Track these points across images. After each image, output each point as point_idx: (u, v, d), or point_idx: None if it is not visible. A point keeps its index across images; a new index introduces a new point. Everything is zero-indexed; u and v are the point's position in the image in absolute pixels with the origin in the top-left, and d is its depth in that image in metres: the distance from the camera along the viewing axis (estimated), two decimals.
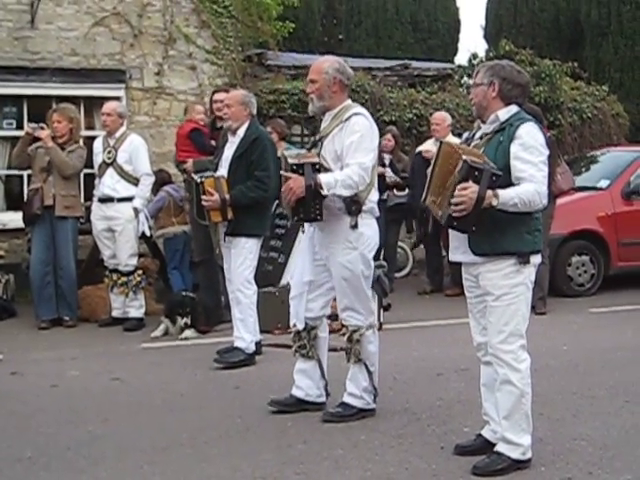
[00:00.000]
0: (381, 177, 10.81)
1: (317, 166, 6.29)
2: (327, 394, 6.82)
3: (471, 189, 5.09)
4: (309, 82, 6.63)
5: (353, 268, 6.43)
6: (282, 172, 6.47)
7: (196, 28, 14.27)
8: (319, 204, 6.26)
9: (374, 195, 6.56)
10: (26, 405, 7.20)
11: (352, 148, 6.32)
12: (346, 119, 6.43)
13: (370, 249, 6.54)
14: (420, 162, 11.76)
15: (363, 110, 6.57)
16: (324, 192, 6.20)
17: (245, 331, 8.39)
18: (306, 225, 6.68)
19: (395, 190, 12.83)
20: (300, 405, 6.79)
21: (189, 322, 9.81)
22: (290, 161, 6.35)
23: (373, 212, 6.55)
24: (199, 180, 8.30)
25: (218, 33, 14.33)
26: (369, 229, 6.51)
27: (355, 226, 6.37)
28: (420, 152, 12.33)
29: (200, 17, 14.28)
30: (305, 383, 6.80)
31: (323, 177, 6.23)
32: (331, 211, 6.37)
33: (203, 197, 8.20)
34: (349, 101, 6.65)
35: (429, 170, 5.56)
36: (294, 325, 6.81)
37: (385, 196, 11.97)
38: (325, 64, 6.60)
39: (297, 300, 6.75)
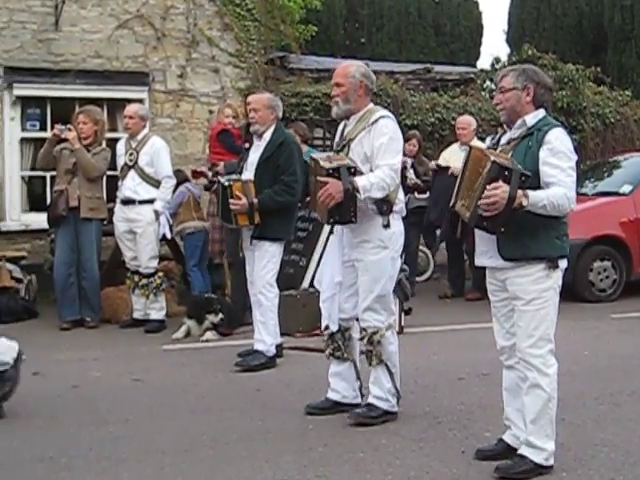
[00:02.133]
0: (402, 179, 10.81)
1: (352, 169, 6.33)
2: (362, 395, 6.81)
3: (502, 188, 5.10)
4: (334, 85, 6.67)
5: (382, 267, 6.46)
6: (319, 177, 6.49)
7: (219, 31, 14.31)
8: (354, 207, 6.30)
9: (401, 194, 6.65)
10: (48, 405, 7.22)
11: (382, 150, 6.39)
12: (373, 122, 6.48)
13: (398, 248, 6.59)
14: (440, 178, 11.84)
15: (389, 113, 6.63)
16: (360, 196, 6.23)
17: (266, 333, 8.39)
18: (336, 227, 6.69)
19: (416, 193, 12.83)
20: (337, 408, 6.79)
21: (218, 320, 9.85)
22: (326, 165, 6.37)
23: (402, 212, 6.63)
24: (227, 183, 8.30)
25: (241, 36, 14.37)
26: (398, 229, 6.58)
27: (387, 225, 6.43)
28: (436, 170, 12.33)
29: (223, 20, 14.33)
30: (341, 386, 6.81)
31: (359, 181, 6.27)
32: (363, 212, 6.39)
33: (231, 201, 8.19)
34: (372, 104, 6.71)
35: (459, 175, 5.56)
36: (327, 327, 6.81)
37: (406, 199, 11.95)
38: (351, 68, 6.66)
39: (329, 302, 6.77)
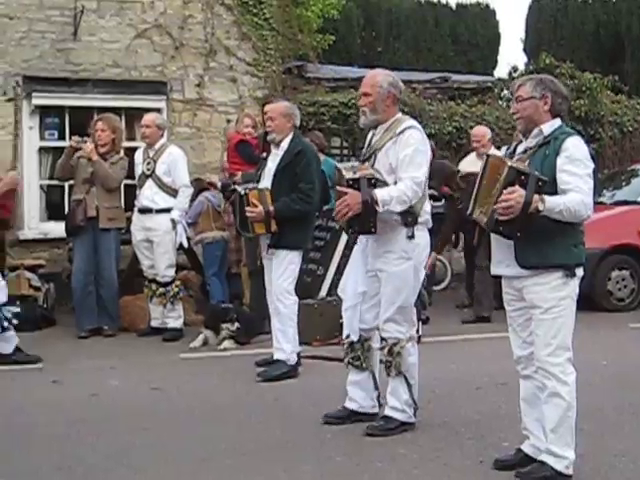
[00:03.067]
0: None
1: (373, 180, 6.32)
2: (380, 405, 6.80)
3: (518, 192, 5.12)
4: (362, 95, 6.65)
5: (405, 278, 6.46)
6: (338, 187, 6.50)
7: (237, 40, 14.34)
8: (373, 217, 6.29)
9: (428, 206, 6.64)
10: (66, 414, 7.24)
11: (406, 162, 6.37)
12: (400, 132, 6.46)
13: (422, 260, 6.59)
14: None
15: (416, 123, 6.60)
16: (379, 209, 6.23)
17: (285, 342, 8.38)
18: (360, 236, 6.69)
19: (431, 200, 12.80)
20: (354, 417, 6.78)
21: (235, 329, 9.87)
22: (346, 176, 6.38)
23: (427, 223, 6.61)
24: (243, 192, 8.31)
25: (259, 45, 14.39)
26: (423, 240, 6.58)
27: (412, 237, 6.43)
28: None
29: (241, 29, 14.36)
30: (359, 395, 6.80)
31: (379, 193, 6.25)
32: (387, 222, 6.40)
33: (247, 209, 8.21)
34: (400, 114, 6.68)
35: (476, 183, 5.56)
36: (347, 336, 6.81)
37: None
38: (379, 77, 6.64)
39: (351, 311, 6.76)
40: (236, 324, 9.90)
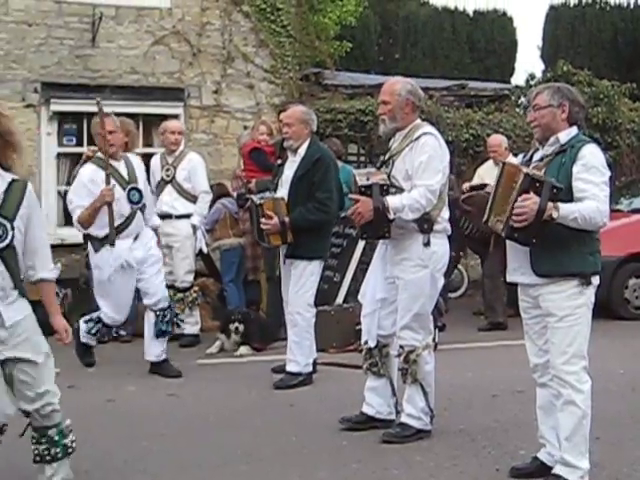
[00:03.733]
0: None
1: (385, 187, 6.33)
2: (397, 412, 6.80)
3: (532, 200, 5.12)
4: (381, 103, 6.66)
5: (422, 286, 6.46)
6: (350, 195, 6.52)
7: (254, 47, 14.39)
8: (387, 224, 6.31)
9: (445, 213, 6.61)
10: (83, 419, 7.21)
11: (420, 169, 6.38)
12: (416, 138, 6.46)
13: (439, 268, 6.58)
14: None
15: (433, 129, 6.60)
16: (390, 216, 6.24)
17: (299, 354, 8.36)
18: (379, 243, 6.70)
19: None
20: (370, 423, 6.79)
21: (241, 329, 9.95)
22: (359, 182, 6.40)
23: (445, 231, 6.60)
24: (258, 202, 8.29)
25: (276, 52, 14.44)
26: (441, 248, 6.56)
27: (427, 244, 6.42)
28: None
29: (258, 36, 14.41)
30: (376, 401, 6.80)
31: (391, 201, 6.27)
32: (404, 228, 6.40)
33: (262, 220, 8.18)
34: (418, 120, 6.68)
35: (492, 191, 5.56)
36: (365, 342, 6.81)
37: None
38: (397, 85, 6.64)
39: (369, 318, 6.76)
40: (241, 325, 9.98)
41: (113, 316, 8.85)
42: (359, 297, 7.15)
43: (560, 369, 5.37)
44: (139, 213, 8.70)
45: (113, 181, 8.53)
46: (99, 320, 8.83)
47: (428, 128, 6.58)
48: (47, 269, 5.57)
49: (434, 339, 9.68)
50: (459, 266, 14.21)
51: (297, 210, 8.18)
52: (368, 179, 6.45)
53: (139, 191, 8.68)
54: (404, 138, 6.56)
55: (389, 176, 6.48)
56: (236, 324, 10.03)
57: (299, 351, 8.36)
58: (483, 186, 12.02)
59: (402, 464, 6.02)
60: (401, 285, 6.51)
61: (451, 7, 25.48)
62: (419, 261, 6.44)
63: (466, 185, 12.75)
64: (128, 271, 8.62)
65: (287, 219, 8.15)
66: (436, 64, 23.83)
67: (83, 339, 8.86)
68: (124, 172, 8.69)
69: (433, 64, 23.81)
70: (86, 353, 8.99)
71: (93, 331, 8.87)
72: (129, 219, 8.63)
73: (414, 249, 6.45)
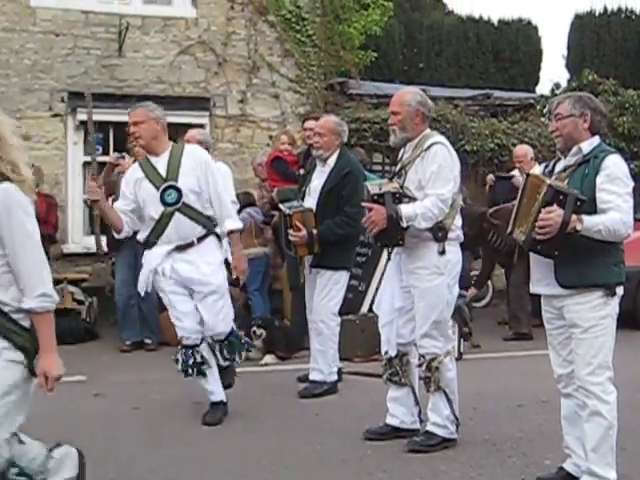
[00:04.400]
0: None
1: (397, 195, 6.36)
2: (421, 421, 6.81)
3: (556, 212, 5.10)
4: (391, 114, 6.69)
5: (438, 294, 6.47)
6: (363, 203, 6.55)
7: (279, 57, 14.46)
8: (400, 231, 6.33)
9: (458, 220, 6.63)
10: (109, 427, 7.29)
11: (432, 179, 6.40)
12: (426, 148, 6.48)
13: (454, 275, 6.59)
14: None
15: (442, 139, 6.61)
16: (404, 224, 6.26)
17: (323, 363, 8.39)
18: (393, 252, 6.72)
19: None
20: (395, 433, 6.78)
21: (262, 345, 9.99)
22: (371, 191, 6.42)
23: (459, 238, 6.62)
24: (287, 212, 8.33)
25: (301, 62, 14.50)
26: (455, 256, 6.58)
27: (443, 252, 6.43)
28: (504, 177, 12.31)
29: (284, 46, 14.47)
30: (399, 411, 6.80)
31: (404, 209, 6.30)
32: (419, 237, 6.42)
33: (290, 232, 8.22)
34: (428, 130, 6.71)
35: (516, 202, 5.55)
36: (386, 352, 6.82)
37: None
38: (407, 96, 6.67)
39: (388, 327, 6.78)
40: (261, 329, 10.06)
41: (179, 329, 7.62)
42: (374, 308, 7.17)
43: (585, 380, 5.36)
44: (183, 218, 7.24)
45: (127, 179, 7.55)
46: (180, 345, 7.64)
47: (438, 138, 6.60)
48: (31, 297, 4.31)
49: (459, 349, 9.79)
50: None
51: (325, 223, 8.21)
52: (380, 189, 6.47)
53: (178, 190, 7.19)
54: (415, 148, 6.59)
55: (402, 186, 6.51)
56: (254, 328, 10.12)
57: (323, 360, 8.39)
58: (510, 177, 12.05)
59: (427, 473, 6.01)
60: (417, 294, 6.52)
61: (476, 16, 25.50)
62: (435, 269, 6.46)
63: (491, 176, 12.76)
64: (164, 279, 7.41)
65: (315, 231, 8.19)
66: (461, 73, 23.84)
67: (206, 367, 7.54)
68: (162, 168, 7.25)
69: (458, 73, 23.82)
70: (224, 374, 7.70)
71: (188, 362, 7.49)
72: (160, 223, 7.26)
73: (429, 257, 6.46)
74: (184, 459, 6.42)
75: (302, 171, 9.84)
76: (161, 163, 7.28)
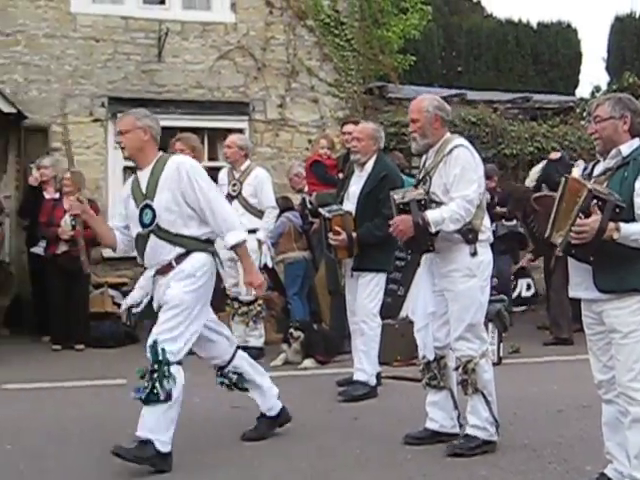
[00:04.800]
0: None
1: (423, 202, 6.38)
2: (460, 425, 6.79)
3: (593, 218, 5.06)
4: (410, 122, 6.76)
5: (472, 296, 6.47)
6: (384, 210, 6.58)
7: (318, 61, 14.51)
8: (429, 237, 6.35)
9: (487, 221, 6.66)
10: None
11: (456, 181, 6.42)
12: (448, 152, 6.51)
13: (486, 277, 6.59)
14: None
15: (463, 141, 6.64)
16: (432, 229, 6.27)
17: (367, 363, 8.43)
18: (424, 256, 6.72)
19: (504, 220, 12.80)
20: (435, 437, 6.77)
21: (300, 347, 10.03)
22: (396, 200, 6.44)
23: (489, 239, 6.65)
24: (327, 216, 8.38)
25: (340, 66, 14.54)
26: (487, 257, 6.59)
27: (475, 254, 6.44)
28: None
29: (322, 50, 14.52)
30: (439, 415, 6.79)
31: (430, 215, 6.32)
32: (450, 240, 6.43)
33: (330, 235, 8.28)
34: (449, 134, 6.75)
35: (554, 206, 5.51)
36: (423, 357, 6.82)
37: (494, 227, 11.91)
38: (425, 102, 6.72)
39: (423, 332, 6.79)
40: (298, 332, 10.10)
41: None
42: (409, 314, 7.16)
43: (627, 386, 5.30)
44: (158, 240, 6.42)
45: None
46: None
47: (459, 140, 6.63)
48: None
49: (499, 353, 9.76)
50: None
51: (365, 226, 8.28)
52: (404, 197, 6.49)
53: (153, 210, 6.39)
54: (437, 153, 6.62)
55: (427, 192, 6.53)
56: (291, 330, 10.19)
57: (367, 360, 8.43)
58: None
59: (467, 478, 5.99)
60: (451, 297, 6.52)
61: (515, 19, 25.41)
62: (467, 271, 6.46)
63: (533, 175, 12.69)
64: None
65: (354, 234, 8.25)
66: (500, 77, 23.76)
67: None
68: (144, 184, 6.48)
69: (497, 77, 23.74)
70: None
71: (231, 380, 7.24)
72: (138, 244, 6.54)
73: (461, 260, 6.47)
74: (224, 462, 6.44)
75: (341, 175, 9.87)
76: (144, 178, 6.51)
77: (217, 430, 7.39)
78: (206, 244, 6.65)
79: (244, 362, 7.11)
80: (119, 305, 12.16)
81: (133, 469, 6.17)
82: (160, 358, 6.34)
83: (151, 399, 6.23)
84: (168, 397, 6.28)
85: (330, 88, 14.50)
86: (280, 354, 10.15)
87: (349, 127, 10.23)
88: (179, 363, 6.41)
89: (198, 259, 6.54)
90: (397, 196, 6.57)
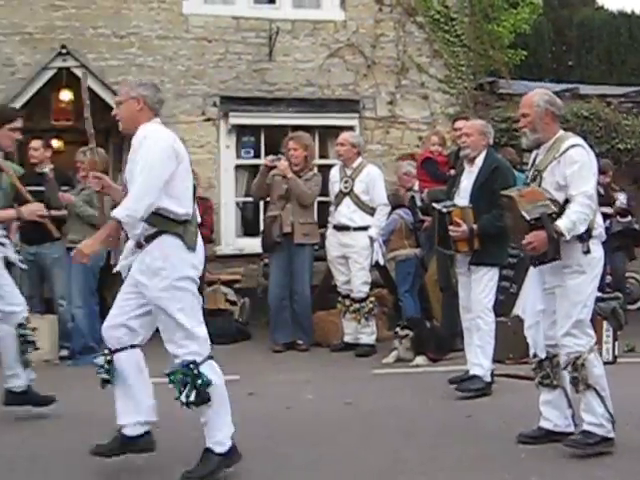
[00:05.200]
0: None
1: (553, 215, 6.32)
2: (575, 424, 6.71)
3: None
4: (521, 116, 6.73)
5: (581, 292, 6.41)
6: (508, 221, 6.55)
7: (428, 57, 14.45)
8: (558, 246, 6.30)
9: (599, 218, 6.61)
10: (263, 426, 7.38)
11: (574, 178, 6.36)
12: (562, 152, 6.45)
13: (596, 274, 6.53)
14: None
15: (578, 140, 6.58)
16: (567, 237, 6.23)
17: (484, 358, 8.40)
18: None
19: (619, 217, 12.61)
20: (550, 437, 6.70)
21: (410, 345, 10.05)
22: (526, 216, 6.37)
23: (601, 237, 6.59)
24: (445, 210, 8.38)
25: (450, 62, 14.46)
26: (598, 253, 6.53)
27: (587, 251, 6.38)
28: None
29: (432, 47, 14.46)
30: (553, 414, 6.73)
31: (561, 224, 6.27)
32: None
33: (450, 227, 8.27)
34: (562, 131, 6.69)
35: None
36: (535, 355, 6.77)
37: (607, 223, 11.73)
38: (535, 97, 6.69)
39: (534, 330, 6.74)
40: (404, 330, 10.12)
41: None
42: (519, 312, 7.10)
43: None
44: None
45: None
46: None
47: (573, 140, 6.56)
48: None
49: (614, 352, 9.63)
50: (636, 276, 13.92)
51: (484, 217, 8.26)
52: (526, 202, 6.43)
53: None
54: (549, 151, 6.57)
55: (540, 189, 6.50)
56: (397, 329, 10.22)
57: (483, 355, 8.41)
58: None
59: (582, 479, 5.93)
60: (561, 293, 6.47)
61: (627, 11, 24.92)
62: (577, 267, 6.41)
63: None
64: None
65: (475, 226, 8.25)
66: (612, 70, 23.33)
67: None
68: None
69: (609, 70, 23.32)
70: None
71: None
72: None
73: (573, 257, 6.41)
74: (336, 458, 6.46)
75: (452, 172, 9.85)
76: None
77: (329, 426, 7.42)
78: (182, 225, 5.88)
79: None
80: (231, 302, 12.37)
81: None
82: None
83: (192, 402, 5.85)
84: (207, 398, 5.84)
85: (440, 84, 14.44)
86: (392, 351, 10.15)
87: (460, 123, 10.21)
88: (209, 358, 5.95)
89: (169, 244, 5.86)
90: (522, 206, 6.51)
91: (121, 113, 6.12)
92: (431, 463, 6.33)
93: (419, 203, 11.15)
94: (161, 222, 5.80)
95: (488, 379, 8.43)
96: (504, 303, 10.42)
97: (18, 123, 7.71)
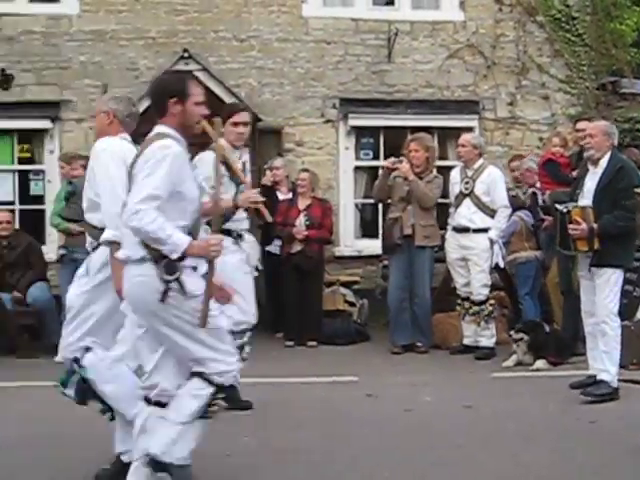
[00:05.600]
0: None
1: None
2: None
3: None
4: None
5: None
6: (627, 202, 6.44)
7: (549, 57, 14.28)
8: None
9: None
10: (381, 427, 7.39)
11: None
12: None
13: None
14: None
15: None
16: None
17: (610, 364, 8.23)
18: None
19: None
20: None
21: (527, 349, 9.95)
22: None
23: None
24: (565, 210, 8.29)
25: (571, 62, 14.26)
26: None
27: None
28: None
29: (553, 46, 14.28)
30: None
31: None
32: None
33: (570, 226, 8.17)
34: None
35: None
36: None
37: None
38: None
39: None
40: (519, 334, 10.01)
41: None
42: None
43: None
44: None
45: None
46: None
47: None
48: None
49: None
50: None
51: (605, 217, 8.13)
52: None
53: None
54: None
55: None
56: (511, 332, 10.14)
57: (610, 361, 8.24)
58: None
59: None
60: None
61: None
62: None
63: None
64: None
65: (595, 225, 8.12)
66: None
67: None
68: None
69: None
70: None
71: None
72: None
73: None
74: (454, 462, 6.41)
75: (574, 173, 9.71)
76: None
77: (449, 428, 7.39)
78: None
79: None
80: (350, 303, 12.40)
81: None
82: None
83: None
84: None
85: (561, 85, 14.24)
86: (512, 355, 10.05)
87: (582, 124, 10.07)
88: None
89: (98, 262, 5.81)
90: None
91: (95, 126, 6.41)
92: (552, 468, 6.25)
93: (541, 202, 11.02)
94: None
95: (615, 385, 8.27)
96: (627, 307, 10.23)
97: (239, 117, 8.01)
